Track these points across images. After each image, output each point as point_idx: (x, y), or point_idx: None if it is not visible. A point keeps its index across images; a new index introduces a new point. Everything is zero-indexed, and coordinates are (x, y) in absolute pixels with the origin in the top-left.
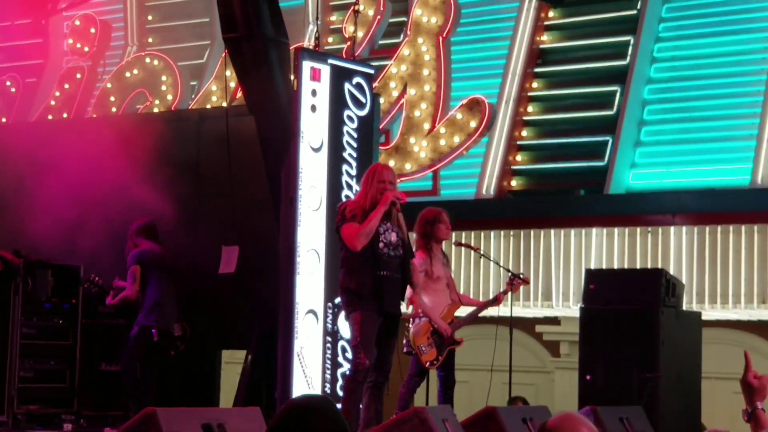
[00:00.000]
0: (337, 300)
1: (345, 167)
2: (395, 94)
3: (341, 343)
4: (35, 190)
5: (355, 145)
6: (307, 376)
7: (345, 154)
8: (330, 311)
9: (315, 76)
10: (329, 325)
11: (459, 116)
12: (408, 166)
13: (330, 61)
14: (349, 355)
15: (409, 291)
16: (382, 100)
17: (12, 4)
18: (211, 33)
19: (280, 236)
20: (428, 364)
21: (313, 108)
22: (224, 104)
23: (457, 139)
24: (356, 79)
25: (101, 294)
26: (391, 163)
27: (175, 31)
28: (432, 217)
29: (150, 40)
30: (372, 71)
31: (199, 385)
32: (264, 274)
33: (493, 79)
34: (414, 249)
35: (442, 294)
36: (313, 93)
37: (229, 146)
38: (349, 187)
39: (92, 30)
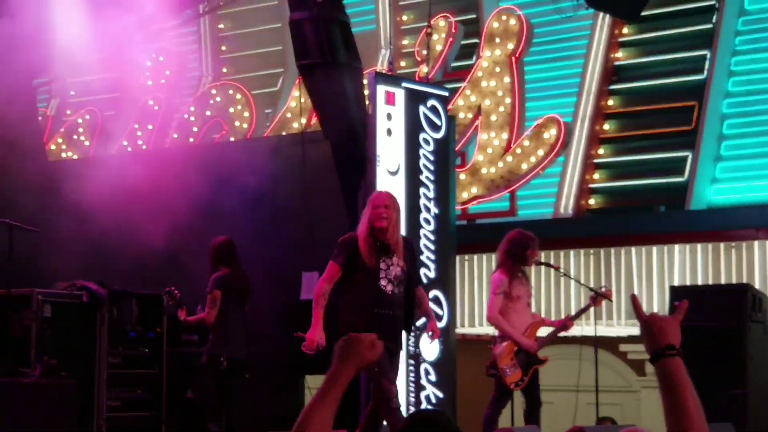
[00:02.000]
0: (419, 322)
1: (422, 190)
2: (470, 115)
3: (424, 365)
4: (117, 221)
5: (431, 167)
6: None
7: (422, 177)
8: (412, 334)
9: (390, 100)
10: (412, 348)
11: (535, 136)
12: (485, 188)
13: (404, 84)
14: (433, 377)
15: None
16: (457, 122)
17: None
18: (283, 61)
19: None
20: (513, 385)
21: (389, 132)
22: (300, 131)
23: (533, 159)
24: (431, 102)
25: (177, 306)
26: (468, 185)
27: (248, 60)
28: (525, 241)
29: (224, 69)
30: (446, 93)
31: (284, 410)
32: None
33: (568, 98)
34: (495, 268)
35: (523, 314)
36: (389, 117)
37: (306, 172)
38: (427, 209)
39: (168, 62)
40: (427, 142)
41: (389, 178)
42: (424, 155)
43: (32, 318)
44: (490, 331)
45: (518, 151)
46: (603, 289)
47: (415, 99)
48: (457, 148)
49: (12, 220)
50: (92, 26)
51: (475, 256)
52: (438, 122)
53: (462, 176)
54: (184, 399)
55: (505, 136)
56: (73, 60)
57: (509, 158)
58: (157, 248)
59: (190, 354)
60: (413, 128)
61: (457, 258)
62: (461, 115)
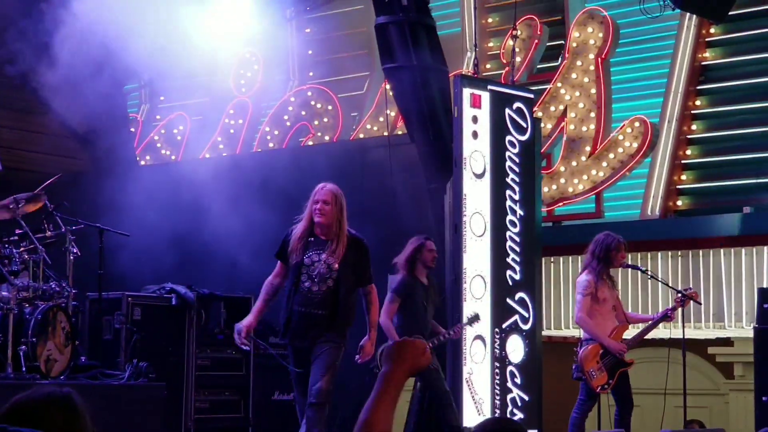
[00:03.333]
0: (505, 324)
1: (509, 192)
2: (555, 117)
3: (510, 368)
4: (205, 226)
5: (517, 170)
6: (476, 402)
7: (508, 180)
8: (498, 336)
9: (475, 102)
10: (497, 350)
11: (621, 137)
12: (570, 190)
13: (489, 87)
14: (518, 379)
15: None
16: (542, 124)
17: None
18: (369, 64)
19: (446, 263)
20: (599, 388)
21: (475, 134)
22: (385, 134)
23: (619, 161)
24: (516, 104)
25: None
26: (554, 187)
27: (335, 63)
28: (612, 243)
29: (311, 73)
30: (532, 96)
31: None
32: None
33: (654, 98)
34: (581, 270)
35: (609, 316)
36: (474, 119)
37: (392, 175)
38: (513, 212)
39: (255, 66)
40: (512, 144)
41: (475, 180)
42: (510, 157)
43: (122, 321)
44: (576, 333)
45: (604, 152)
46: (688, 291)
47: (500, 101)
48: (542, 150)
49: (103, 225)
50: (182, 31)
51: (561, 258)
52: (524, 124)
53: (548, 178)
54: (271, 400)
55: (591, 137)
56: (162, 65)
57: (595, 160)
58: (244, 252)
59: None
60: (499, 131)
61: (543, 260)
62: (547, 117)
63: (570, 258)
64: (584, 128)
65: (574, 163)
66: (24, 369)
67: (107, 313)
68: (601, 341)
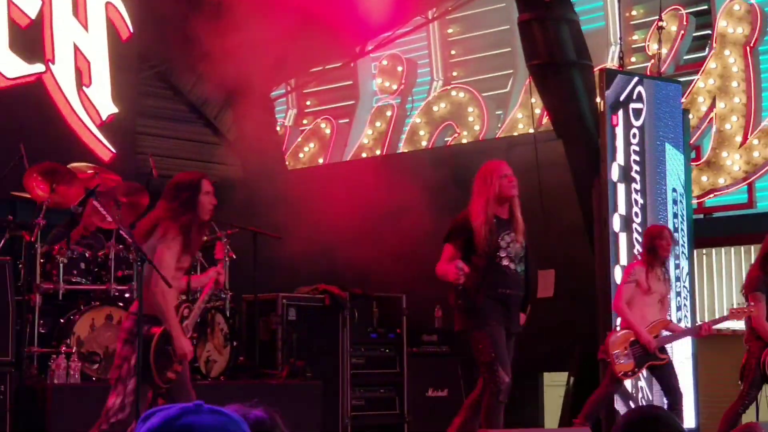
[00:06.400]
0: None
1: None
2: (704, 108)
3: None
4: (358, 227)
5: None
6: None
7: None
8: None
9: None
10: None
11: None
12: (722, 181)
13: (636, 80)
14: None
15: None
16: (691, 116)
17: (323, 49)
18: (513, 62)
19: (595, 258)
20: (622, 374)
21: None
22: (531, 131)
23: None
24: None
25: None
26: (704, 179)
27: (478, 62)
28: (656, 232)
29: (455, 73)
30: (679, 87)
31: (523, 407)
32: (580, 297)
33: None
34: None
35: (652, 308)
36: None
37: (539, 171)
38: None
39: (399, 68)
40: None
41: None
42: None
43: (278, 321)
44: (730, 325)
45: (755, 142)
46: (745, 306)
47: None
48: (691, 142)
49: (256, 228)
50: (324, 34)
51: (714, 250)
52: None
53: (698, 170)
54: (425, 397)
55: (741, 127)
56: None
57: (746, 150)
58: (390, 251)
59: (430, 354)
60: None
61: (695, 252)
62: (695, 108)
63: (723, 249)
64: (734, 118)
65: (724, 154)
66: None
67: (263, 314)
68: (635, 329)
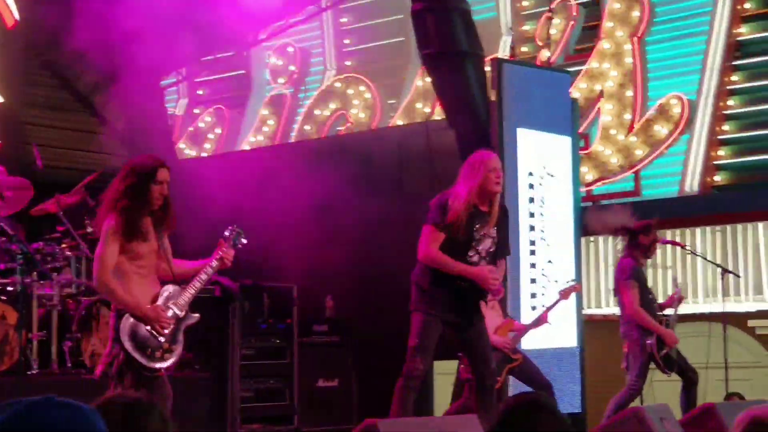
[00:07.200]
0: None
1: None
2: (592, 98)
3: None
4: (249, 217)
5: None
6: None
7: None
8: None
9: None
10: None
11: (658, 115)
12: (608, 169)
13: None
14: None
15: None
16: (578, 105)
17: (215, 38)
18: (406, 51)
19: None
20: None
21: None
22: (424, 120)
23: (657, 139)
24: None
25: None
26: (591, 167)
27: (371, 52)
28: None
29: (348, 62)
30: (568, 77)
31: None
32: None
33: (691, 75)
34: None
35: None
36: None
37: (432, 161)
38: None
39: (292, 58)
40: None
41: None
42: None
43: None
44: (617, 311)
45: (641, 131)
46: (571, 283)
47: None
48: (579, 131)
49: None
50: (218, 24)
51: (600, 238)
52: None
53: (585, 158)
54: (315, 387)
55: (627, 116)
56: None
57: (632, 138)
58: (285, 241)
59: (320, 344)
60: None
61: (583, 240)
62: (582, 97)
63: (609, 237)
64: (621, 107)
65: (611, 143)
66: (69, 365)
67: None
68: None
